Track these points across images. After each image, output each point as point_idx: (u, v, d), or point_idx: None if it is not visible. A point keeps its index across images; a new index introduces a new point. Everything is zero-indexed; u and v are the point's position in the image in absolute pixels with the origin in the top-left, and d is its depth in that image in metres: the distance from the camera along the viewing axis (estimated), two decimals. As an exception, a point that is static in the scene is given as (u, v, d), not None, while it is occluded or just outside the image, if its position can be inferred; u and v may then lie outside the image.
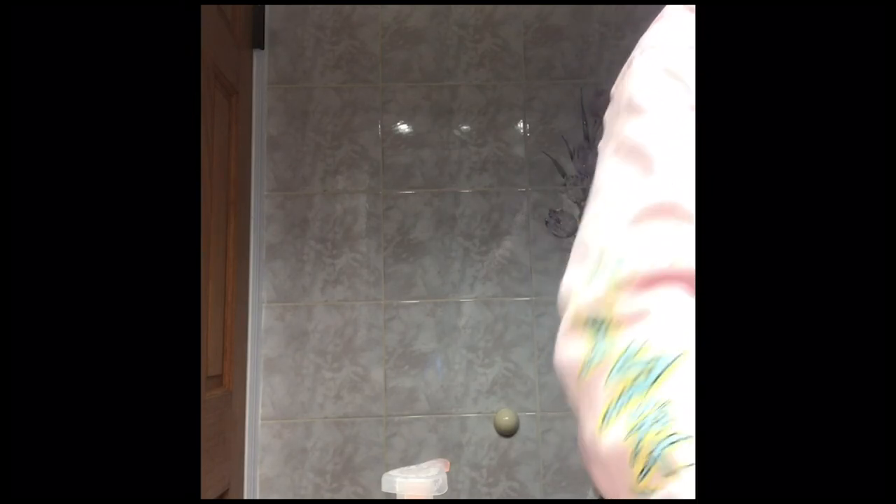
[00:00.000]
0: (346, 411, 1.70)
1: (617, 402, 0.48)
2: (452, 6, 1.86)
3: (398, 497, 0.88)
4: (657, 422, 0.47)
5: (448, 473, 0.93)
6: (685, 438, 0.47)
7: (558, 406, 1.72)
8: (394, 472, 0.90)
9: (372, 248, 1.76)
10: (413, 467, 0.93)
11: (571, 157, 1.80)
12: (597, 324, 0.51)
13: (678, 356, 0.48)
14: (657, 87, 0.64)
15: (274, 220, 1.75)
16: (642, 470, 0.47)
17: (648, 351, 0.48)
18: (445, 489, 0.90)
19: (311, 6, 1.83)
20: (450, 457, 1.68)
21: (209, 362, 1.33)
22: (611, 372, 0.49)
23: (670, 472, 0.47)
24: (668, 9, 0.76)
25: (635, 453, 0.47)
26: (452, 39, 1.85)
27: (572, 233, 1.77)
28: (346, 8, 1.84)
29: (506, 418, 1.68)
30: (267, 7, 1.80)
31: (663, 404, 0.47)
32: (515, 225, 1.78)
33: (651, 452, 0.47)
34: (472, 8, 1.86)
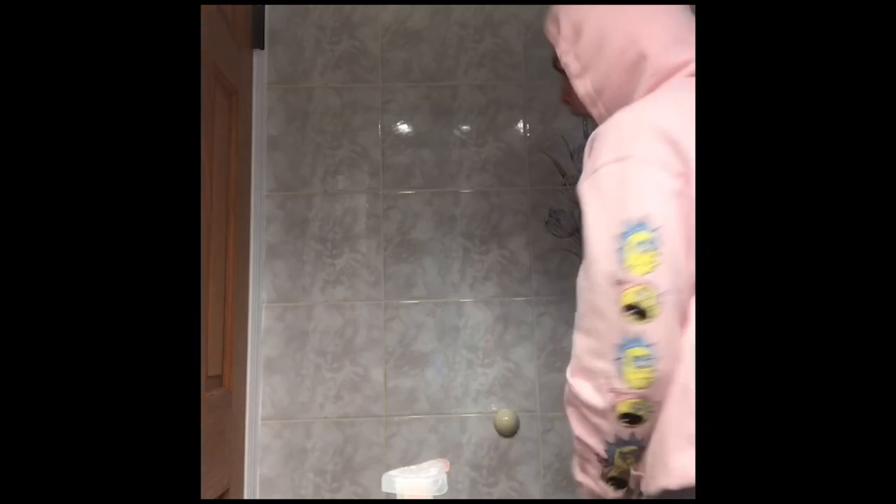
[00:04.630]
0: (346, 411, 1.70)
1: None
2: (452, 6, 1.86)
3: (398, 497, 0.88)
4: None
5: (448, 473, 0.93)
6: None
7: (558, 406, 1.72)
8: (394, 472, 0.90)
9: (372, 248, 1.76)
10: (413, 467, 0.92)
11: (571, 157, 1.80)
12: None
13: None
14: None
15: (274, 220, 1.75)
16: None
17: None
18: (445, 489, 0.90)
19: (311, 6, 1.83)
20: (450, 457, 1.68)
21: (209, 362, 1.33)
22: None
23: None
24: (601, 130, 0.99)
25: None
26: (452, 39, 1.85)
27: (573, 232, 1.77)
28: (346, 8, 1.83)
29: (506, 418, 1.68)
30: (267, 7, 1.80)
31: None
32: (515, 225, 1.78)
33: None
34: (472, 8, 1.86)
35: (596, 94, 1.07)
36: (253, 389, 1.63)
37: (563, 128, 1.81)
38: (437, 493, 0.89)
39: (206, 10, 1.29)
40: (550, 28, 1.13)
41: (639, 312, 0.85)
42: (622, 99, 1.04)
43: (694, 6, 1.00)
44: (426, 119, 1.81)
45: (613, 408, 0.88)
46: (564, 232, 1.78)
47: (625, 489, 0.96)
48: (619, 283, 0.86)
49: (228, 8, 1.52)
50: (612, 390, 0.87)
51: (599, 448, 0.92)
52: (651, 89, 1.03)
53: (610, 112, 1.04)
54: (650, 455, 0.90)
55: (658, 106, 0.97)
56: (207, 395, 1.30)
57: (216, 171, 1.38)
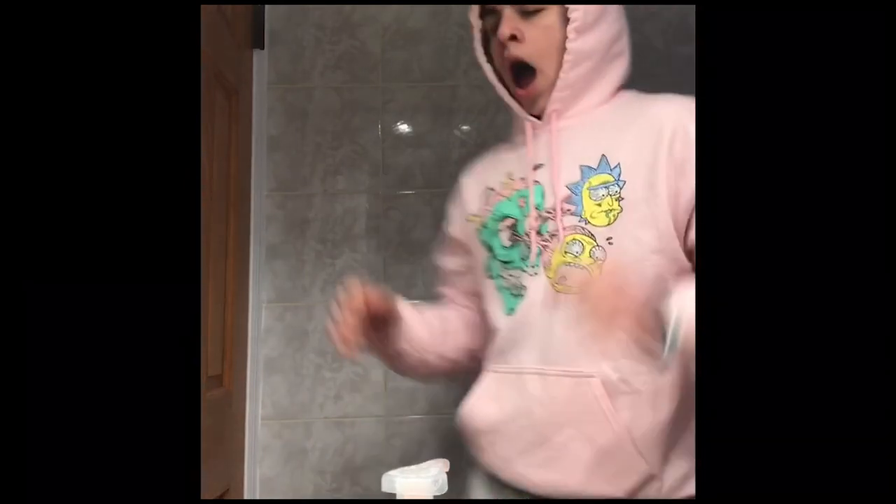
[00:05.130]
0: (346, 411, 1.70)
1: None
2: (452, 6, 1.85)
3: (398, 497, 0.88)
4: None
5: (448, 473, 0.93)
6: None
7: (558, 406, 1.72)
8: (394, 472, 0.90)
9: (372, 249, 1.75)
10: (413, 467, 0.92)
11: (571, 157, 1.80)
12: None
13: None
14: None
15: (274, 220, 1.75)
16: None
17: None
18: (445, 489, 0.90)
19: (311, 6, 1.83)
20: (450, 457, 1.68)
21: (209, 362, 1.33)
22: None
23: None
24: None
25: None
26: (452, 39, 1.84)
27: (572, 233, 1.77)
28: (346, 8, 1.83)
29: (506, 418, 1.68)
30: (267, 7, 1.80)
31: None
32: (515, 225, 1.78)
33: None
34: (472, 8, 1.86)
35: (586, 57, 1.05)
36: (253, 389, 1.63)
37: (563, 128, 1.81)
38: (437, 493, 0.89)
39: (206, 10, 1.29)
40: None
41: None
42: (586, 82, 1.06)
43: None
44: (426, 119, 1.81)
45: None
46: (564, 232, 1.77)
47: None
48: None
49: (228, 8, 1.52)
50: None
51: None
52: (610, 96, 1.09)
53: (572, 84, 1.05)
54: None
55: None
56: (207, 395, 1.30)
57: (216, 171, 1.38)
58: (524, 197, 1.08)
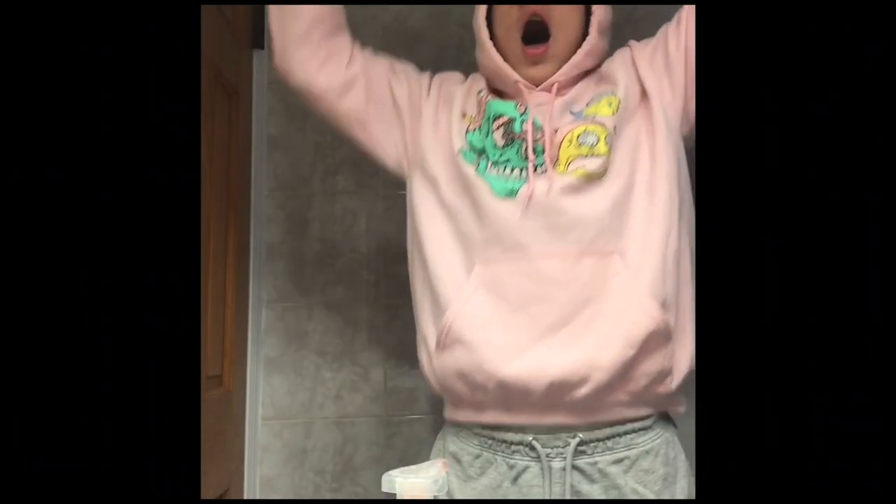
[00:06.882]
0: (346, 411, 1.70)
1: None
2: (452, 6, 1.85)
3: (398, 497, 0.88)
4: None
5: (448, 473, 0.93)
6: None
7: (558, 406, 1.71)
8: (394, 472, 0.90)
9: (372, 249, 1.75)
10: (413, 467, 0.93)
11: (571, 158, 1.80)
12: None
13: None
14: None
15: (274, 220, 1.75)
16: None
17: None
18: (446, 489, 0.90)
19: (311, 6, 1.82)
20: (450, 457, 1.68)
21: (209, 362, 1.33)
22: None
23: None
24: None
25: None
26: (452, 40, 1.84)
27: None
28: (346, 8, 1.83)
29: (506, 418, 1.68)
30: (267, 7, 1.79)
31: None
32: (515, 225, 1.78)
33: None
34: (473, 8, 1.86)
35: (599, 51, 1.19)
36: (253, 389, 1.63)
37: (563, 128, 1.81)
38: (437, 493, 0.89)
39: (206, 10, 1.29)
40: None
41: None
42: (589, 67, 1.19)
43: None
44: (426, 119, 1.80)
45: None
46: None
47: None
48: None
49: (228, 8, 1.52)
50: None
51: None
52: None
53: (579, 65, 1.16)
54: None
55: None
56: (207, 395, 1.30)
57: (216, 171, 1.38)
58: (525, 106, 1.11)
